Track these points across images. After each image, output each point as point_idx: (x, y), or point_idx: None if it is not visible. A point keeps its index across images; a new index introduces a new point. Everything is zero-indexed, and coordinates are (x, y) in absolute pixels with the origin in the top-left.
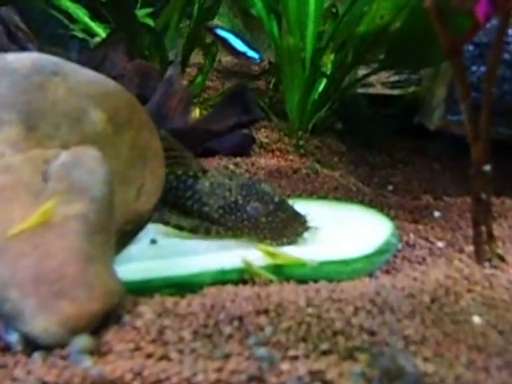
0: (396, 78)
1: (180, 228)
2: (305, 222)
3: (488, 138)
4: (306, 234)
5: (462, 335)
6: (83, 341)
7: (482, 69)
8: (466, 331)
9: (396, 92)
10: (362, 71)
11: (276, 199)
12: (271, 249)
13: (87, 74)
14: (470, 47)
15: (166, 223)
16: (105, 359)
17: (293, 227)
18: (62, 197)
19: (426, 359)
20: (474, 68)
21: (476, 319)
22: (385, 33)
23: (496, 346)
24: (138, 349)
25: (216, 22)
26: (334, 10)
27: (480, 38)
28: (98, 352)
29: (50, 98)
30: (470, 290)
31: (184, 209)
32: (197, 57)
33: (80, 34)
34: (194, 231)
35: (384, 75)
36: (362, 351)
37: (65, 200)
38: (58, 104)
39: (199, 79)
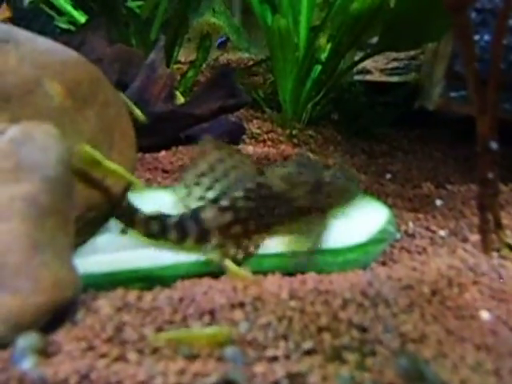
0: (395, 64)
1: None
2: None
3: (495, 111)
4: None
5: (468, 333)
6: (28, 340)
7: (486, 37)
8: (472, 328)
9: (395, 79)
10: (358, 58)
11: None
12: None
13: (45, 43)
14: (473, 14)
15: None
16: (51, 360)
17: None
18: (7, 175)
19: (425, 360)
20: (477, 37)
21: (484, 314)
22: (379, 11)
23: (507, 346)
24: (90, 348)
25: (213, 20)
26: None
27: (483, 3)
28: (44, 352)
29: None
30: (476, 282)
31: None
32: (192, 55)
33: (65, 25)
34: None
35: (382, 61)
36: (352, 351)
37: (11, 179)
38: (7, 74)
39: (191, 73)
